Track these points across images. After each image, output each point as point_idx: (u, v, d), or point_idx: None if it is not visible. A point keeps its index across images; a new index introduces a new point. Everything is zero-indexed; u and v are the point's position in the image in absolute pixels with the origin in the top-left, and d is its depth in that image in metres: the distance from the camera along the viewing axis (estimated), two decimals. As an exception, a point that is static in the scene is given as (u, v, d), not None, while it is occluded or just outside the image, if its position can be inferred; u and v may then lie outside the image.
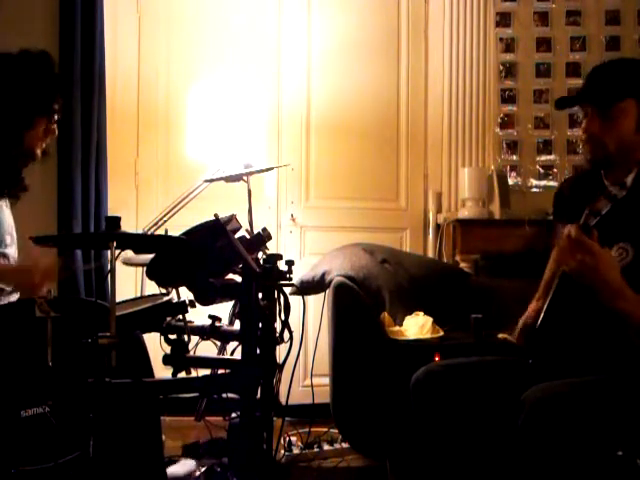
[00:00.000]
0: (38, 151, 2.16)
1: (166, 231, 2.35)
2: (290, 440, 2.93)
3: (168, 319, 1.97)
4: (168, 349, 1.87)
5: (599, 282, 1.58)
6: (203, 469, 2.53)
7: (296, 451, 2.87)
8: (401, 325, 2.75)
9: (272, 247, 1.95)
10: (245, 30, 3.67)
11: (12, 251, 2.14)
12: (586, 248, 1.56)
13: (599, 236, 1.58)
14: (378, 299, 2.83)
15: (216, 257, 1.75)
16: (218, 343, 2.40)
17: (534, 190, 3.90)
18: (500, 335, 2.64)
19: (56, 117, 2.17)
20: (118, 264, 1.69)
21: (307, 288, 2.86)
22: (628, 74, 1.78)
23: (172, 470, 2.48)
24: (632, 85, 1.76)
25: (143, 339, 2.19)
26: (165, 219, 2.81)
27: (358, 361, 2.60)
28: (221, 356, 2.43)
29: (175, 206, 2.86)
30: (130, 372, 1.76)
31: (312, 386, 3.07)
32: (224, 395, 1.98)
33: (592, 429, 1.52)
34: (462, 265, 3.52)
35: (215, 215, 1.72)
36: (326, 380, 2.80)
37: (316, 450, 2.90)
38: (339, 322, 2.66)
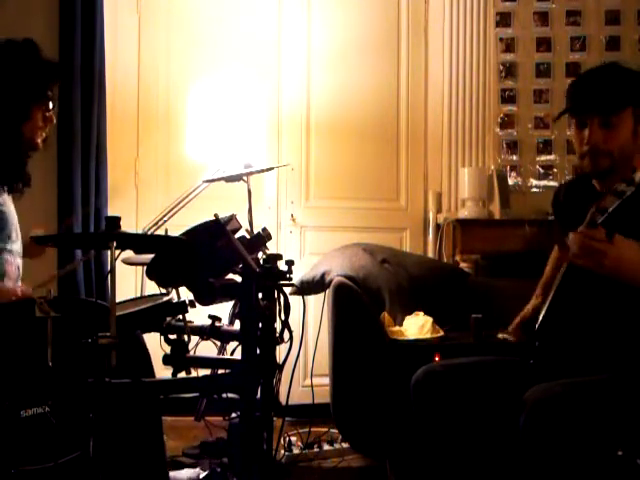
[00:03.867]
0: (39, 140, 2.15)
1: (166, 231, 2.35)
2: (290, 440, 2.93)
3: (168, 319, 1.97)
4: (168, 349, 1.87)
5: (628, 275, 1.56)
6: (204, 474, 2.52)
7: (296, 451, 2.87)
8: (401, 325, 2.75)
9: (272, 247, 1.95)
10: (245, 30, 3.67)
11: (17, 247, 2.14)
12: (597, 251, 1.53)
13: (608, 233, 1.56)
14: (378, 299, 2.83)
15: (216, 257, 1.75)
16: (218, 343, 2.40)
17: (534, 190, 3.90)
18: (500, 335, 2.64)
19: (51, 105, 2.16)
20: (118, 263, 1.69)
21: (307, 288, 2.86)
22: (626, 83, 1.78)
23: (174, 475, 2.48)
24: (631, 93, 1.76)
25: (143, 339, 2.19)
26: (165, 219, 2.80)
27: (358, 361, 2.60)
28: (221, 356, 2.43)
29: (175, 206, 2.86)
30: (130, 372, 1.76)
31: (312, 386, 3.08)
32: (224, 395, 1.98)
33: (593, 429, 1.52)
34: (462, 265, 3.52)
35: (215, 215, 1.72)
36: (326, 380, 2.79)
37: (316, 450, 2.90)
38: (339, 322, 2.66)
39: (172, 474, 2.43)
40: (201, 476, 2.51)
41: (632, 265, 1.56)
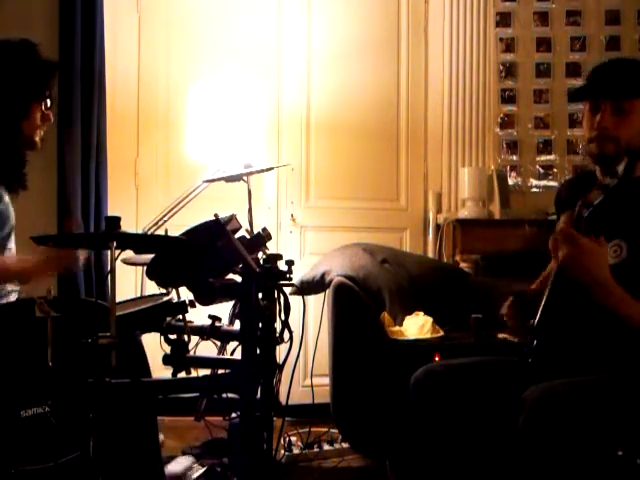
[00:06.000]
0: (37, 139, 2.16)
1: (166, 231, 2.35)
2: (290, 440, 2.93)
3: (168, 319, 1.97)
4: (168, 349, 1.87)
5: (584, 275, 1.59)
6: (202, 470, 2.52)
7: (296, 451, 2.87)
8: (401, 325, 2.75)
9: (272, 247, 1.95)
10: (245, 30, 3.67)
11: (14, 247, 2.15)
12: (571, 240, 1.57)
13: (595, 227, 1.58)
14: (378, 299, 2.83)
15: (216, 257, 1.75)
16: (218, 343, 2.40)
17: (534, 190, 3.90)
18: (500, 335, 2.64)
19: (50, 103, 2.16)
20: (118, 263, 1.69)
21: (307, 288, 2.86)
22: None
23: (170, 468, 2.48)
24: None
25: (141, 339, 2.18)
26: (165, 219, 2.81)
27: (358, 361, 2.60)
28: (221, 356, 2.43)
29: (175, 206, 2.86)
30: (127, 372, 1.76)
31: (312, 386, 3.08)
32: (224, 395, 1.98)
33: (592, 429, 1.52)
34: (462, 265, 3.52)
35: (215, 215, 1.72)
36: (326, 380, 2.80)
37: (316, 450, 2.89)
38: (339, 322, 2.66)
39: (168, 467, 2.43)
40: (195, 471, 2.51)
41: (590, 266, 1.58)
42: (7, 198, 2.10)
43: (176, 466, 2.52)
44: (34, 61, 2.12)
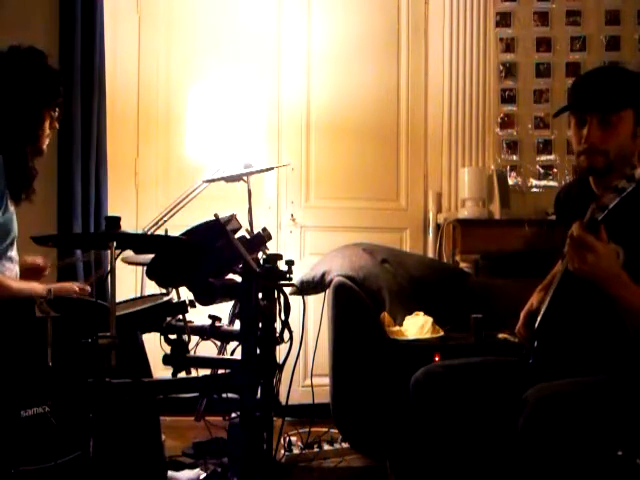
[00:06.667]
0: (45, 147, 2.16)
1: (166, 231, 2.35)
2: (290, 440, 2.93)
3: (168, 319, 1.97)
4: (168, 349, 1.87)
5: (602, 278, 1.58)
6: (205, 474, 2.52)
7: (296, 451, 2.87)
8: (401, 325, 2.75)
9: (272, 247, 1.95)
10: (245, 30, 3.67)
11: (16, 254, 2.15)
12: (588, 246, 1.56)
13: (607, 229, 1.57)
14: (378, 299, 2.83)
15: (216, 257, 1.75)
16: (218, 343, 2.40)
17: (534, 190, 3.90)
18: (500, 335, 2.65)
19: (57, 111, 2.16)
20: (118, 263, 1.69)
21: (307, 288, 2.86)
22: (628, 83, 1.78)
23: (174, 475, 2.48)
24: (632, 95, 1.76)
25: (142, 339, 2.19)
26: (165, 219, 2.81)
27: (358, 361, 2.60)
28: (221, 356, 2.43)
29: (175, 206, 2.86)
30: (128, 372, 1.76)
31: (312, 386, 3.07)
32: (224, 395, 1.98)
33: (592, 429, 1.52)
34: (462, 265, 3.52)
35: (215, 215, 1.72)
36: (326, 380, 2.80)
37: (316, 450, 2.89)
38: (339, 322, 2.66)
39: (171, 474, 2.43)
40: (201, 477, 2.51)
41: (609, 270, 1.58)
42: (12, 208, 2.10)
43: (181, 476, 2.51)
44: (46, 70, 2.12)
